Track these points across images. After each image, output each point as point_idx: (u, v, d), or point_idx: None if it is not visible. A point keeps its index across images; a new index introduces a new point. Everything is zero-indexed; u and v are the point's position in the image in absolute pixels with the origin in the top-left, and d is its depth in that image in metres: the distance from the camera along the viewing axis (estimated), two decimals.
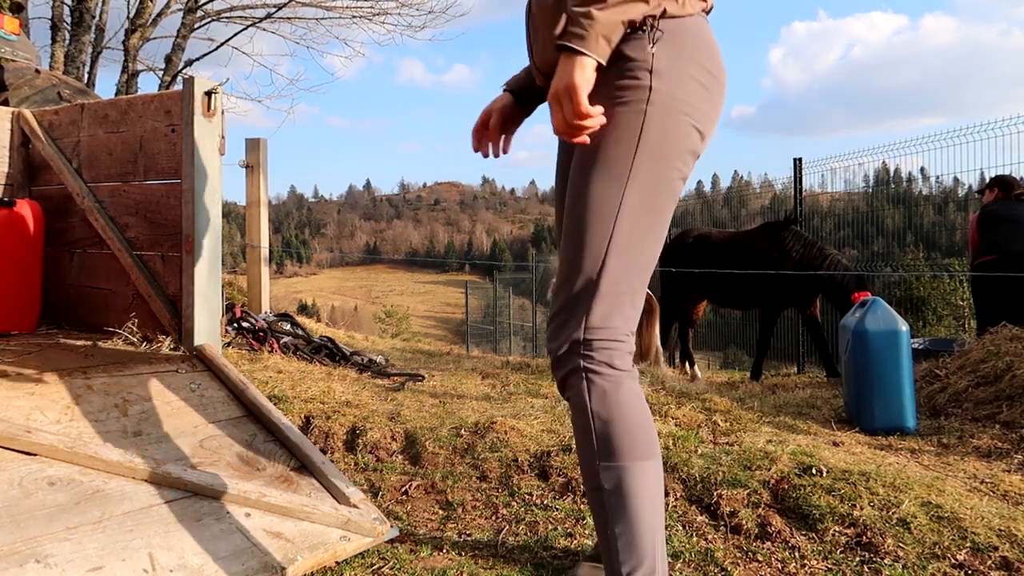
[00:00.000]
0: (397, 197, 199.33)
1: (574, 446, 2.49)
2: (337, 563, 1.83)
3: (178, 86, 7.67)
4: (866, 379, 3.29)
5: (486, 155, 1.62)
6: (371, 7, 10.33)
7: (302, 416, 2.85)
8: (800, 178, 7.81)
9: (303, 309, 27.74)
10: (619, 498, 1.28)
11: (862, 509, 2.04)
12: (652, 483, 1.30)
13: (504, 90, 1.65)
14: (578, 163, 1.36)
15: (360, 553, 1.89)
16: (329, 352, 4.18)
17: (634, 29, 1.30)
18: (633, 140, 1.30)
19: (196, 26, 10.12)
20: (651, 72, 1.29)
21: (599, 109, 1.26)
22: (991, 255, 5.34)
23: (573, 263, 1.33)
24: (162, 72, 9.90)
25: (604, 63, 1.26)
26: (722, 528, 2.06)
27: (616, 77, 1.31)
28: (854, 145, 49.92)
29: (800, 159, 7.80)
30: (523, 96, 1.63)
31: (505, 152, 1.64)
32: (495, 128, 1.60)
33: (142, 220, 2.86)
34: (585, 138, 1.28)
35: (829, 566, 1.86)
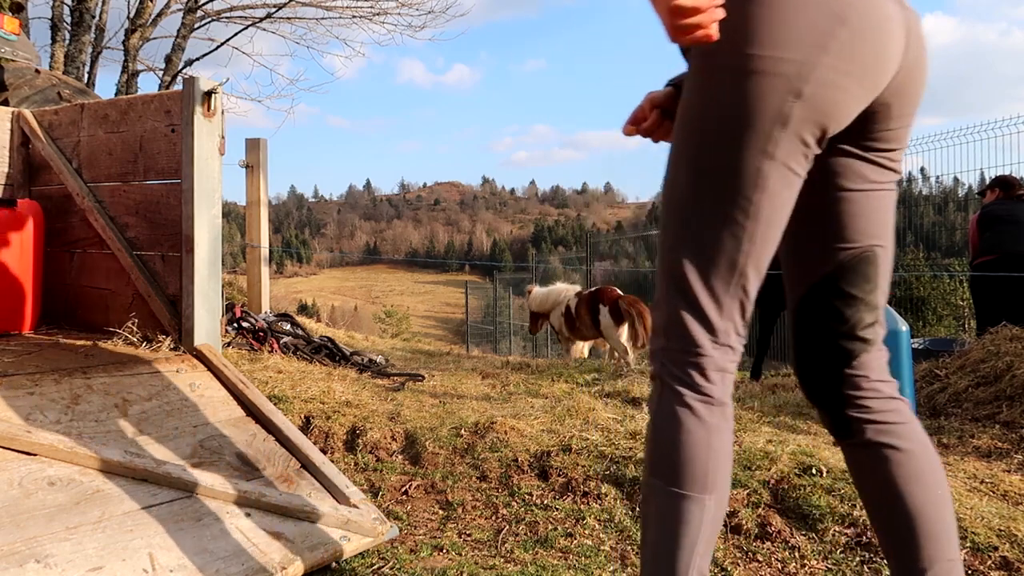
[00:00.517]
0: (397, 197, 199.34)
1: (574, 446, 2.49)
2: (337, 563, 1.83)
3: (178, 86, 7.67)
4: None
5: (631, 135, 1.46)
6: (371, 7, 10.35)
7: (302, 416, 2.85)
8: None
9: (303, 309, 27.76)
10: (660, 521, 1.16)
11: (862, 509, 2.04)
12: (699, 520, 1.15)
13: (667, 85, 1.48)
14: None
15: (360, 553, 1.89)
16: (329, 352, 4.18)
17: None
18: (695, 118, 1.14)
19: (196, 26, 10.14)
20: (722, 27, 1.06)
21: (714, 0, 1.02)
22: (991, 255, 5.35)
23: (660, 256, 1.21)
24: (162, 72, 9.92)
25: None
26: (722, 528, 2.06)
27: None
28: None
29: None
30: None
31: (665, 140, 1.43)
32: (655, 121, 1.44)
33: (142, 220, 2.86)
34: (709, 31, 1.04)
35: (829, 566, 1.86)
